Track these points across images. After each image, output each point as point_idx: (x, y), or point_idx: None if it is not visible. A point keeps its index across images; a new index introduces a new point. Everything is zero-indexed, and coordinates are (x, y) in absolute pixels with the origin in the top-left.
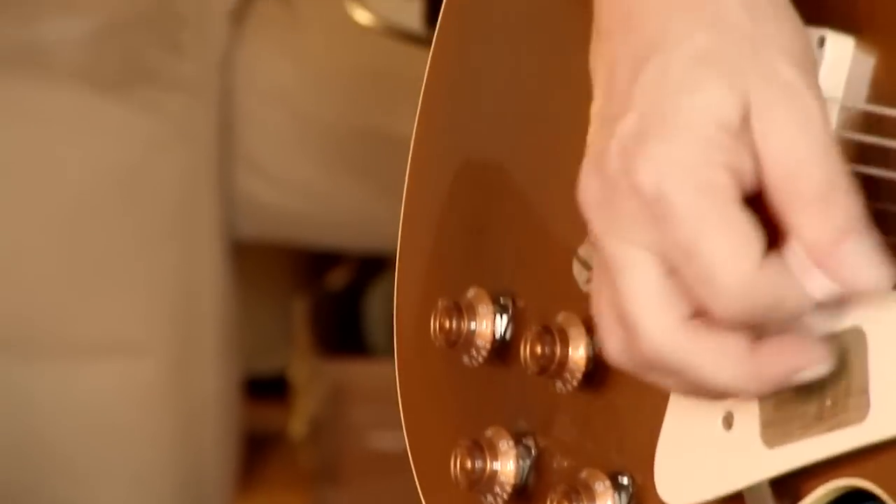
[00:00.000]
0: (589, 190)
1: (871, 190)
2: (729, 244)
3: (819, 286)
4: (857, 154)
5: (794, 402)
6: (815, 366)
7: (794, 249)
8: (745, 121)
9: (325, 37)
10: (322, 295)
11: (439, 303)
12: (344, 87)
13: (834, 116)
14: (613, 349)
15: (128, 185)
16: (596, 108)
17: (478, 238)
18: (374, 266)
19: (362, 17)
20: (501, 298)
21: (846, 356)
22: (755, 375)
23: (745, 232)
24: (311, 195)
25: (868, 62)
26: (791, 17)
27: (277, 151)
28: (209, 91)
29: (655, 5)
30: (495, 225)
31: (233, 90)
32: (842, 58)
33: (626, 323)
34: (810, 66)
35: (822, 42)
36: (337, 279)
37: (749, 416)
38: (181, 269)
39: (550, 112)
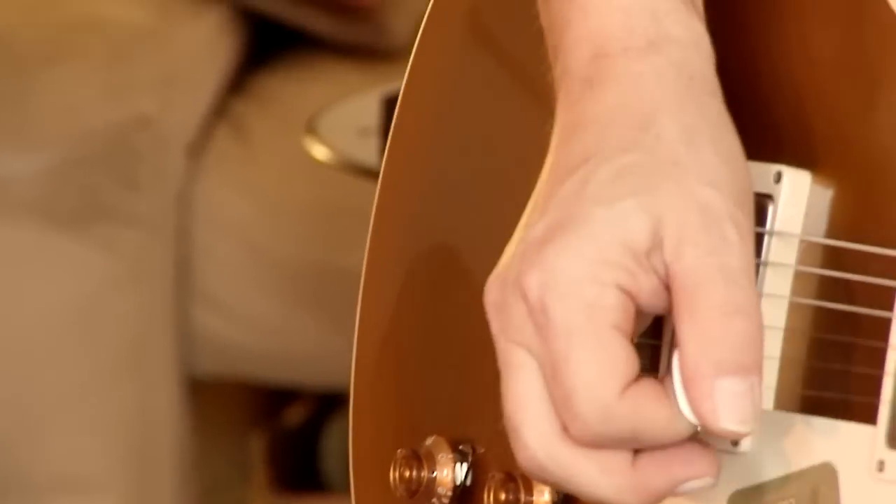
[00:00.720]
0: (491, 292)
1: (833, 324)
2: (593, 369)
3: (686, 411)
4: (819, 289)
5: None
6: (701, 478)
7: (675, 364)
8: (656, 243)
9: (282, 172)
10: (279, 431)
11: (398, 452)
12: (301, 221)
13: (794, 251)
14: (515, 453)
15: (84, 322)
16: (521, 222)
17: (433, 383)
18: (331, 402)
19: (319, 151)
20: (461, 446)
21: (817, 492)
22: (637, 488)
23: (614, 358)
24: (267, 331)
25: (826, 195)
26: (732, 153)
27: (234, 287)
28: (166, 227)
29: (602, 121)
30: (451, 370)
31: (189, 226)
32: (799, 192)
33: (510, 427)
34: (740, 200)
35: (778, 177)
36: (294, 416)
37: None
38: (138, 406)
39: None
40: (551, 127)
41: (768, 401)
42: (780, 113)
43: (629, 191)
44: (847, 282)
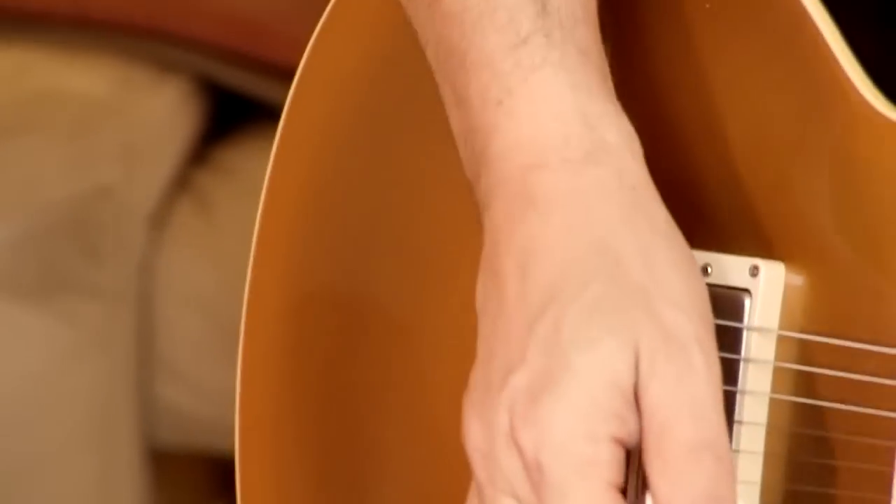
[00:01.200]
0: (474, 436)
1: (816, 420)
2: None
3: None
4: (799, 385)
5: None
6: None
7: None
8: (638, 376)
9: (244, 242)
10: None
11: None
12: None
13: (772, 346)
14: None
15: (45, 394)
16: (483, 348)
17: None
18: None
19: None
20: None
21: None
22: None
23: None
24: (230, 402)
25: (802, 287)
26: (685, 260)
27: (197, 358)
28: (127, 298)
29: (553, 254)
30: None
31: (152, 297)
32: (775, 285)
33: None
34: (702, 314)
35: (755, 271)
36: None
37: None
38: (100, 478)
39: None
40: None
41: (754, 497)
42: (751, 204)
43: (605, 330)
44: (830, 377)
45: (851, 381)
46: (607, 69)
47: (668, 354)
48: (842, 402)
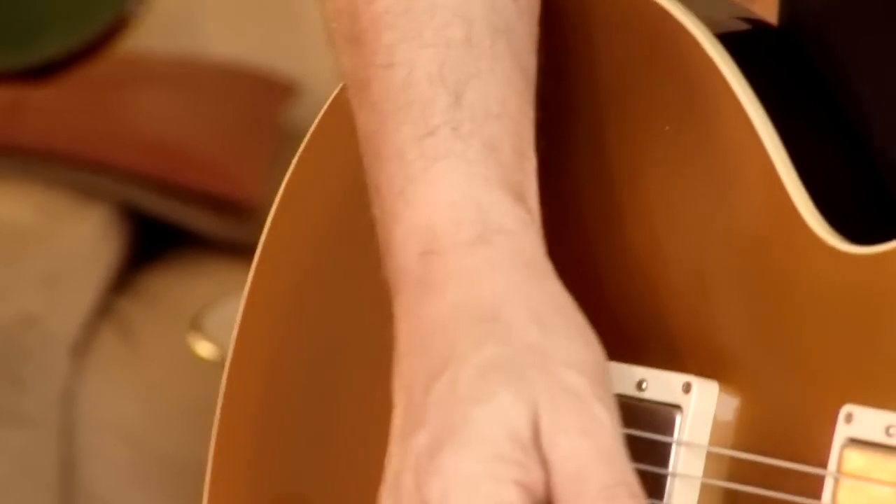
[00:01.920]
0: None
1: None
2: None
3: None
4: (724, 499)
5: None
6: None
7: None
8: (536, 431)
9: (167, 370)
10: None
11: None
12: (185, 419)
13: (701, 462)
14: None
15: None
16: (394, 430)
17: None
18: None
19: (204, 349)
20: None
21: None
22: None
23: None
24: None
25: (732, 405)
26: (581, 332)
27: (119, 486)
28: (50, 426)
29: (447, 327)
30: None
31: (74, 424)
32: (707, 402)
33: None
34: (599, 377)
35: (687, 388)
36: None
37: None
38: None
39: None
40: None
41: None
42: (685, 321)
43: (500, 383)
44: (748, 494)
45: (775, 500)
46: (523, 163)
47: (570, 410)
48: None
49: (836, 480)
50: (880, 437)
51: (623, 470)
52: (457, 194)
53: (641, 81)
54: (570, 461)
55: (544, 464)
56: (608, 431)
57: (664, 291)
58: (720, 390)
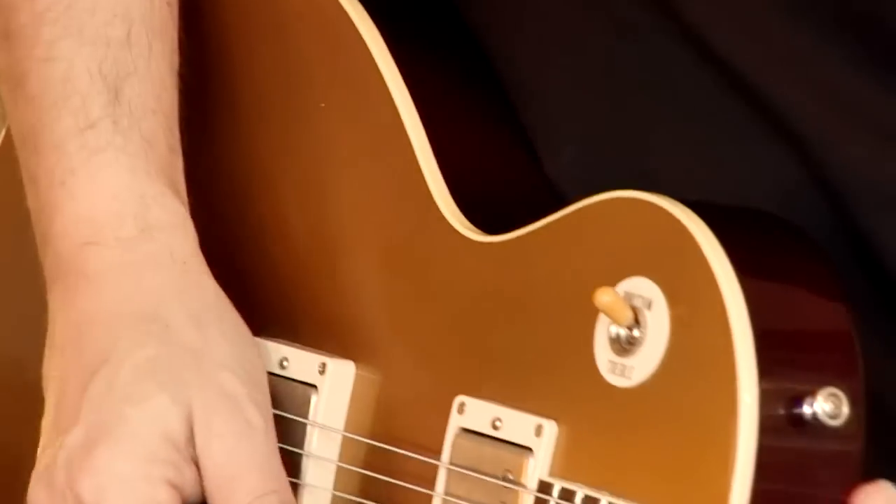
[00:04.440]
0: (37, 496)
1: None
2: None
3: None
4: (362, 486)
5: None
6: None
7: None
8: (191, 432)
9: None
10: None
11: None
12: None
13: (337, 444)
14: None
15: None
16: (47, 422)
17: None
18: None
19: None
20: None
21: None
22: None
23: None
24: None
25: (370, 387)
26: (237, 330)
27: None
28: None
29: (107, 322)
30: None
31: None
32: (343, 383)
33: None
34: (256, 379)
35: (323, 368)
36: None
37: None
38: None
39: None
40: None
41: None
42: (329, 302)
43: (157, 386)
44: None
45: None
46: (175, 159)
47: (224, 414)
48: (388, 500)
49: (447, 469)
50: (487, 429)
51: (275, 477)
52: (120, 186)
53: (298, 59)
54: (223, 467)
55: (196, 462)
56: (262, 436)
57: (313, 271)
58: (357, 372)
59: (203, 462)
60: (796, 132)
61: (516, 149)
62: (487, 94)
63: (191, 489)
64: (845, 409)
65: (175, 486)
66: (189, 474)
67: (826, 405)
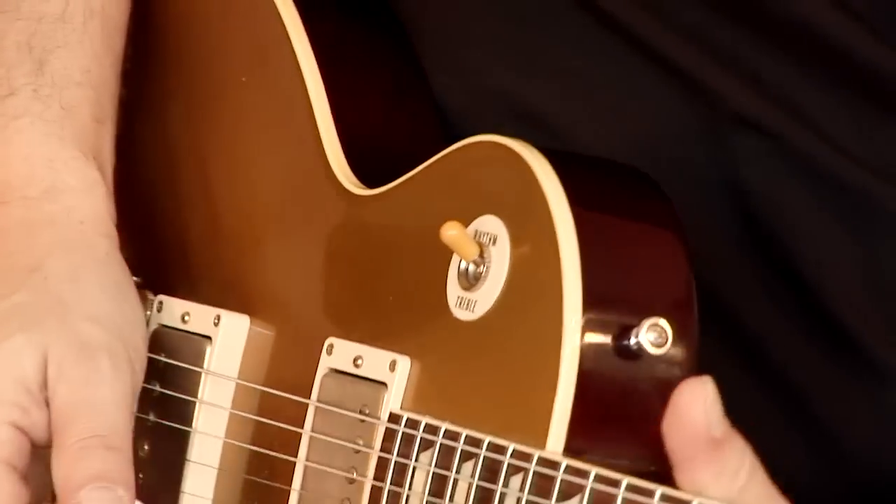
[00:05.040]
0: None
1: (261, 466)
2: None
3: None
4: (250, 431)
5: None
6: None
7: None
8: (44, 375)
9: None
10: None
11: None
12: None
13: (230, 393)
14: None
15: None
16: None
17: None
18: None
19: None
20: None
21: None
22: None
23: (3, 493)
24: None
25: (264, 338)
26: (119, 289)
27: None
28: None
29: (0, 271)
30: None
31: None
32: (237, 335)
33: None
34: (125, 334)
35: (217, 320)
36: None
37: None
38: None
39: None
40: None
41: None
42: (233, 259)
43: (17, 327)
44: (269, 424)
45: (276, 427)
46: (101, 128)
47: (76, 360)
48: (269, 446)
49: (316, 408)
50: (350, 368)
51: (108, 422)
52: (31, 149)
53: (223, 35)
54: (62, 410)
55: (48, 404)
56: (108, 383)
57: (217, 235)
58: (252, 324)
59: (51, 405)
60: (684, 76)
61: (417, 112)
62: (395, 58)
63: (41, 433)
64: (669, 339)
65: (20, 429)
66: (38, 418)
67: (650, 335)
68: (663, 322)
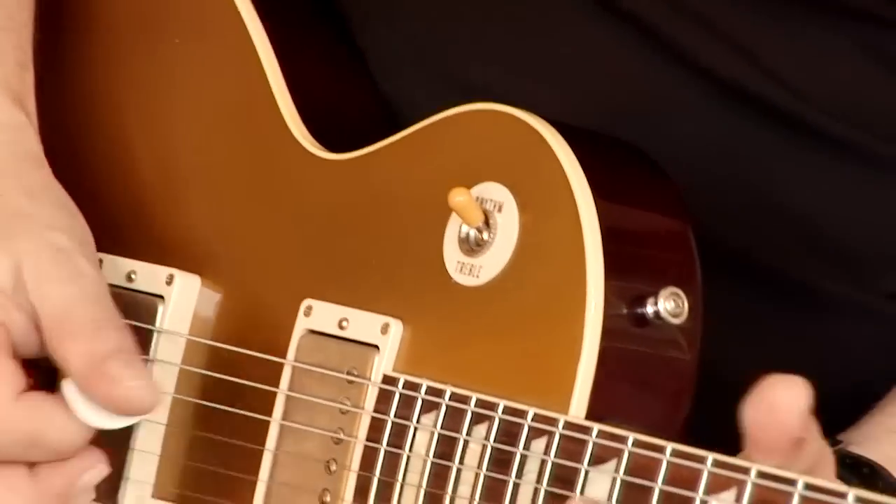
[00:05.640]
0: None
1: (211, 419)
2: None
3: (90, 414)
4: (205, 391)
5: None
6: (95, 468)
7: (68, 382)
8: (19, 283)
9: None
10: None
11: None
12: None
13: (180, 350)
14: None
15: None
16: None
17: None
18: None
19: None
20: None
21: None
22: (42, 496)
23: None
24: None
25: (215, 298)
26: (68, 207)
27: None
28: None
29: None
30: None
31: None
32: (188, 294)
33: None
34: (85, 241)
35: (170, 279)
36: None
37: None
38: None
39: None
40: None
41: (146, 493)
42: (177, 220)
43: None
44: (231, 383)
45: (245, 387)
46: (24, 73)
47: (55, 262)
48: (231, 404)
49: (293, 368)
50: (333, 329)
51: (109, 308)
52: None
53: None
54: (57, 304)
55: (26, 310)
56: (93, 280)
57: (160, 192)
58: (202, 284)
59: (38, 305)
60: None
61: (364, 76)
62: (333, 36)
63: (20, 334)
64: (686, 308)
65: (2, 325)
66: (17, 319)
67: (668, 304)
68: (681, 291)
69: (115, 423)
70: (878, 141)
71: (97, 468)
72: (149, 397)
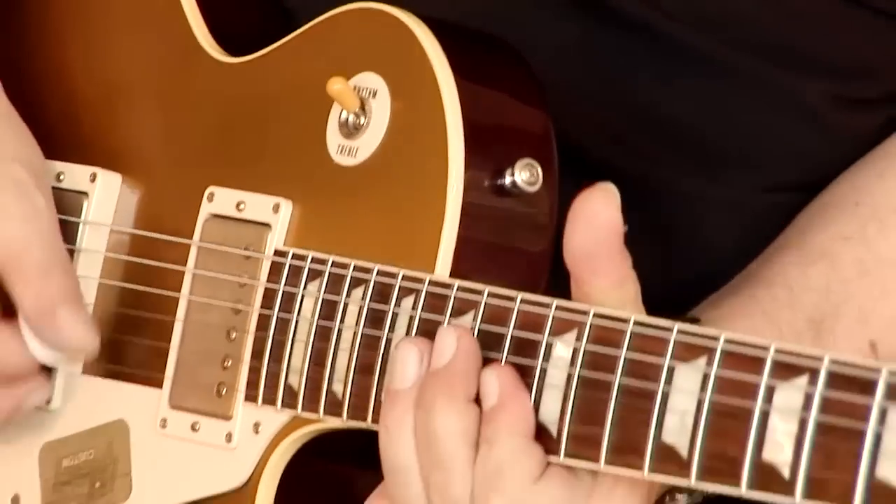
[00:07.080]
0: None
1: (133, 303)
2: None
3: (39, 351)
4: (125, 272)
5: (70, 485)
6: (39, 391)
7: (20, 320)
8: None
9: None
10: None
11: None
12: None
13: (104, 240)
14: None
15: None
16: None
17: None
18: None
19: None
20: None
21: (112, 444)
22: None
23: None
24: None
25: (135, 194)
26: (24, 134)
27: None
28: None
29: None
30: None
31: None
32: (110, 190)
33: None
34: (40, 172)
35: (94, 177)
36: None
37: (32, 497)
38: None
39: None
40: None
41: (77, 370)
42: (102, 125)
43: None
44: (147, 266)
45: (168, 269)
46: None
47: (15, 197)
48: (148, 285)
49: (199, 248)
50: (232, 212)
51: (59, 249)
52: None
53: None
54: (12, 244)
55: None
56: (48, 218)
57: (86, 101)
58: (123, 182)
59: None
60: None
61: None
62: None
63: None
64: (541, 177)
65: None
66: None
67: (524, 174)
68: (535, 162)
69: (58, 361)
70: (723, 46)
71: (41, 391)
72: (90, 342)
